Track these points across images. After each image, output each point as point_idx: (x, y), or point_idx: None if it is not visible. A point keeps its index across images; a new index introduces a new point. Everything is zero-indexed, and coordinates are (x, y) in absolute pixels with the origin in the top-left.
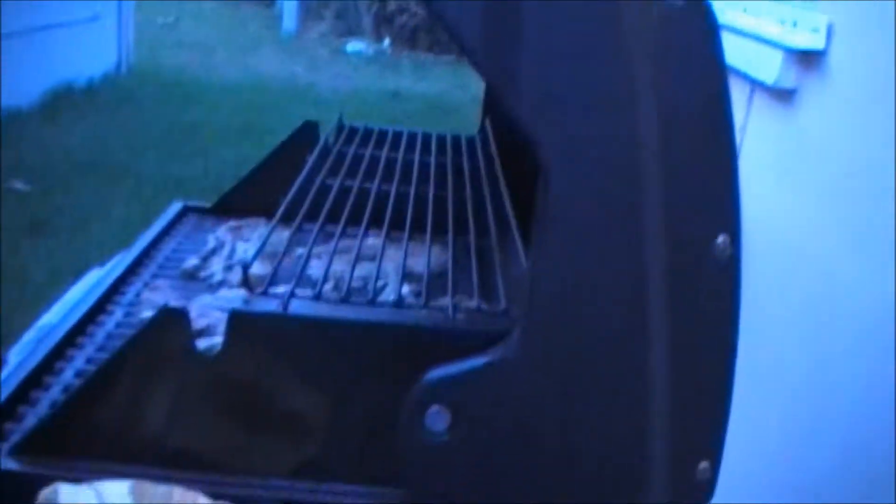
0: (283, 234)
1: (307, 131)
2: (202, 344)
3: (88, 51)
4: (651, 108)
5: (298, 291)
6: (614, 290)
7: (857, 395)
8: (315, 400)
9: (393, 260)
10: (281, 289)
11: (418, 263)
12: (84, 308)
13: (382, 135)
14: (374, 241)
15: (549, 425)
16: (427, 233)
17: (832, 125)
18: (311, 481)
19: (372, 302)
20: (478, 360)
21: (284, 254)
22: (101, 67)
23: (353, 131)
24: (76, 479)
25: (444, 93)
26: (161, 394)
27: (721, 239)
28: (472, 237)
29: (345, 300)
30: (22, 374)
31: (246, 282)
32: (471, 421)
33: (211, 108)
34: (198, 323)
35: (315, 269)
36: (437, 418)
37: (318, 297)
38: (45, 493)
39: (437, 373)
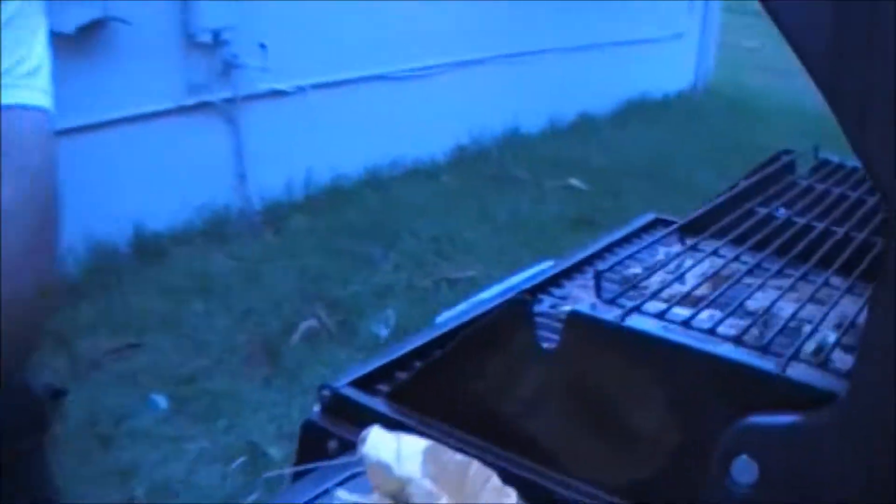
0: (732, 264)
1: (782, 159)
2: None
3: (668, 67)
4: None
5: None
6: None
7: None
8: (635, 415)
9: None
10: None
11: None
12: (513, 292)
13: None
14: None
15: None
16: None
17: None
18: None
19: (714, 331)
20: (792, 416)
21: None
22: (678, 84)
23: (825, 164)
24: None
25: None
26: (497, 375)
27: None
28: None
29: (690, 325)
30: (421, 340)
31: (597, 286)
32: (778, 481)
33: (779, 132)
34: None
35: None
36: (745, 469)
37: (688, 322)
38: (366, 431)
39: (751, 420)
